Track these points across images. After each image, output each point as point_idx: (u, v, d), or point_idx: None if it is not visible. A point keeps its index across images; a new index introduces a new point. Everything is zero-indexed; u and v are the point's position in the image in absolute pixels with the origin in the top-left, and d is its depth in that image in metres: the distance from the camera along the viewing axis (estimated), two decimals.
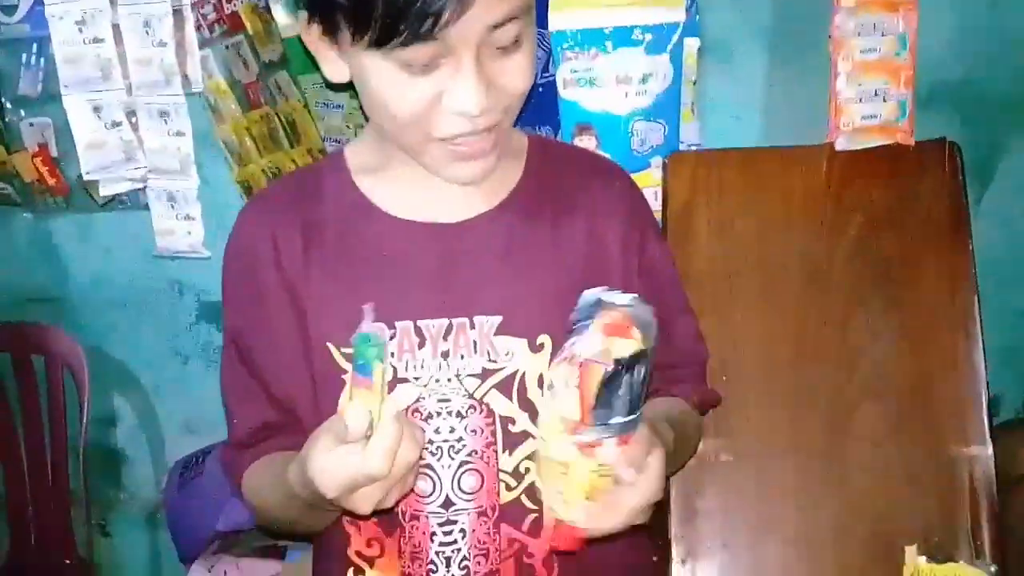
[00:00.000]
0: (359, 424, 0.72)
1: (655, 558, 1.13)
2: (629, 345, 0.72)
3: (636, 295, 0.76)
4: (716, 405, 1.07)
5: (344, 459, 0.72)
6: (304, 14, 0.87)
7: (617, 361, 0.72)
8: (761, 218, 1.28)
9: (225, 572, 1.75)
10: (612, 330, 0.73)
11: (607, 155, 1.24)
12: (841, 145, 1.27)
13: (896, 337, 1.22)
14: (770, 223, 1.28)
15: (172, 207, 1.48)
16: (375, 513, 0.91)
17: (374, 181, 0.95)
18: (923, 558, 1.10)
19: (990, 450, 1.16)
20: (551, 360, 0.89)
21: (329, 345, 0.91)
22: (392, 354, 0.90)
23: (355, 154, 0.98)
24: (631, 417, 0.74)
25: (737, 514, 1.20)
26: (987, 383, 1.19)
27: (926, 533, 1.14)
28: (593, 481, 0.74)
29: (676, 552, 1.20)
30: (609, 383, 0.72)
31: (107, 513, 2.00)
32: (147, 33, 1.34)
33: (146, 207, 1.55)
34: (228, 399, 0.99)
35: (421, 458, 0.77)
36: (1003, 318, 1.46)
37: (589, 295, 0.78)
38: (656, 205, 1.34)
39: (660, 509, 0.85)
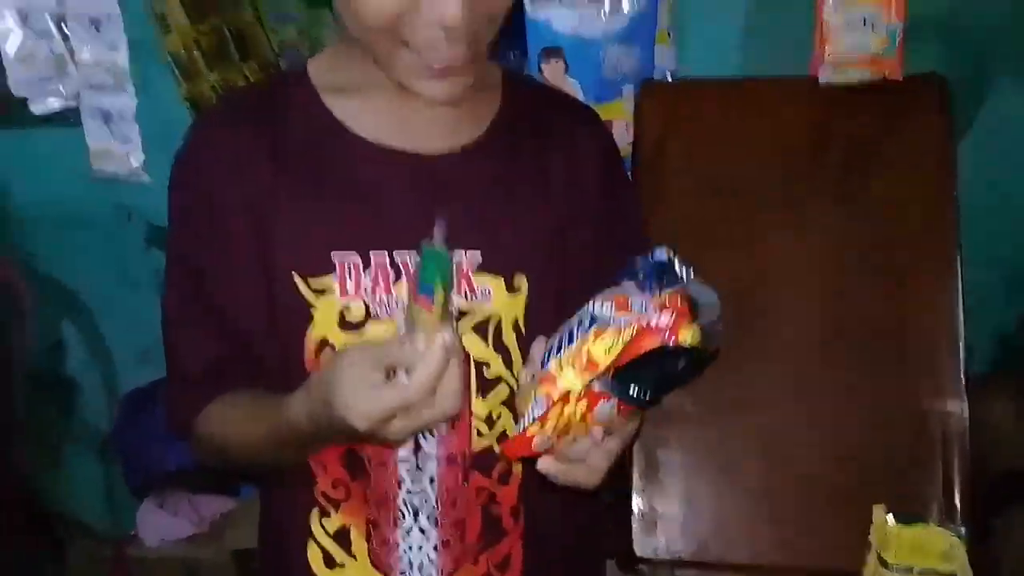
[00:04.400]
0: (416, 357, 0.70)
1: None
2: (690, 336, 0.70)
3: (709, 288, 0.76)
4: None
5: (381, 390, 0.70)
6: None
7: (678, 348, 0.70)
8: (739, 153, 1.21)
9: (177, 507, 1.72)
10: (681, 313, 0.71)
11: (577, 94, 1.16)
12: (825, 77, 1.19)
13: (875, 277, 1.16)
14: (749, 158, 1.20)
15: (108, 127, 1.38)
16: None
17: (344, 101, 0.88)
18: (891, 518, 1.05)
19: (965, 406, 1.11)
20: (528, 302, 0.88)
21: (295, 275, 0.85)
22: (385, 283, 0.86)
23: (320, 71, 0.90)
24: (647, 398, 0.73)
25: (700, 466, 1.15)
26: (964, 336, 1.13)
27: (897, 491, 1.10)
28: (574, 421, 0.74)
29: (637, 504, 1.16)
30: (655, 359, 0.71)
31: (58, 442, 1.95)
32: None
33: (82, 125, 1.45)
34: (172, 331, 0.93)
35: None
36: (976, 264, 1.41)
37: (661, 253, 0.78)
38: (628, 138, 1.26)
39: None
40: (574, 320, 0.77)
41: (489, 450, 0.88)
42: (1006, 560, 1.05)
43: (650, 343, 0.70)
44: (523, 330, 0.89)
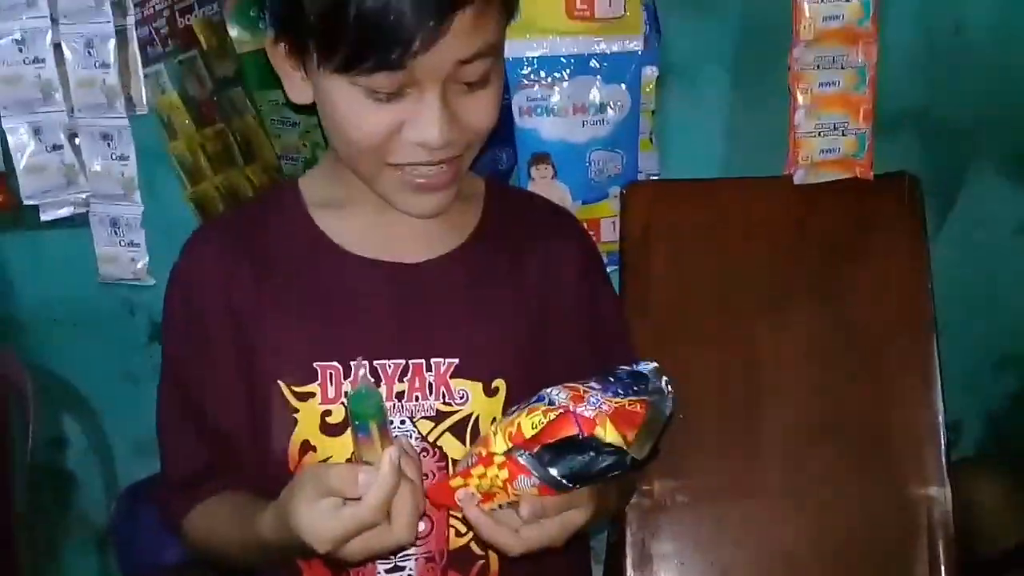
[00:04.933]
0: (367, 486, 0.72)
1: None
2: (616, 438, 0.73)
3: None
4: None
5: (335, 513, 0.72)
6: (272, 32, 0.86)
7: (593, 441, 0.72)
8: (720, 250, 1.26)
9: None
10: (621, 415, 0.74)
11: (560, 203, 1.21)
12: (799, 179, 1.25)
13: (854, 374, 1.21)
14: (729, 255, 1.26)
15: (115, 233, 1.43)
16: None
17: (331, 216, 0.93)
18: None
19: (948, 491, 1.14)
20: (506, 403, 0.90)
21: (280, 383, 0.89)
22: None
23: (311, 187, 0.96)
24: (565, 484, 0.75)
25: (693, 558, 1.17)
26: (945, 424, 1.17)
27: (883, 574, 1.12)
28: (496, 484, 0.77)
29: None
30: (578, 448, 0.73)
31: (56, 537, 1.95)
32: (89, 54, 1.29)
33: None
34: (164, 435, 0.97)
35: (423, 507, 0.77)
36: (963, 344, 1.45)
37: (645, 365, 0.81)
38: (613, 236, 1.31)
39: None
40: (533, 397, 0.80)
41: (466, 548, 0.90)
42: None
43: (564, 430, 0.74)
44: None
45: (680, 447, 1.15)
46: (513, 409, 0.81)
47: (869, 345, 1.21)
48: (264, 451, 0.91)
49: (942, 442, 1.16)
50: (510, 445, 0.76)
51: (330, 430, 0.89)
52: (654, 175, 1.36)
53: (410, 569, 0.89)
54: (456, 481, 0.79)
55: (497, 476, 0.77)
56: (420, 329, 0.91)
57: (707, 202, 1.28)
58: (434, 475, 0.89)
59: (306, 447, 0.89)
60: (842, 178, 1.25)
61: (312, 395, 0.89)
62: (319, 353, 0.89)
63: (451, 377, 0.89)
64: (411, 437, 0.89)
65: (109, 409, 1.88)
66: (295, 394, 0.89)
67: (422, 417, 0.89)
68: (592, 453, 0.73)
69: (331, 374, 0.89)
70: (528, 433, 0.75)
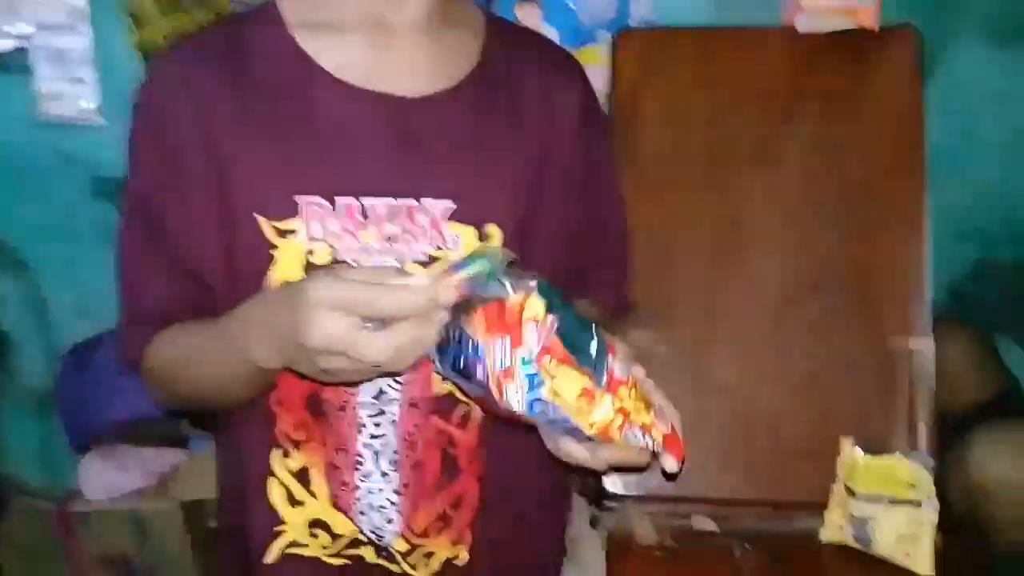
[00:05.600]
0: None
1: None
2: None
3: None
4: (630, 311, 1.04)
5: (345, 322, 0.67)
6: None
7: None
8: (713, 101, 1.22)
9: (123, 460, 1.66)
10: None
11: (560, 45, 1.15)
12: (802, 26, 1.21)
13: (844, 229, 1.19)
14: (723, 107, 1.22)
15: (60, 68, 1.31)
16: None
17: (316, 37, 0.84)
18: (859, 450, 1.09)
19: (931, 344, 1.15)
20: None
21: (257, 216, 0.82)
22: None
23: (291, 3, 0.87)
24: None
25: (674, 406, 1.16)
26: (931, 278, 1.17)
27: (863, 425, 1.13)
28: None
29: None
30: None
31: None
32: None
33: (29, 69, 1.37)
34: (128, 271, 0.89)
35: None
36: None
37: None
38: (601, 84, 1.26)
39: None
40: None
41: (450, 395, 0.86)
42: (956, 490, 1.09)
43: None
44: None
45: (665, 294, 1.13)
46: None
47: (861, 199, 1.19)
48: (238, 292, 0.83)
49: (927, 296, 1.16)
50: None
51: (313, 271, 0.82)
52: (646, 22, 1.29)
53: (392, 414, 0.85)
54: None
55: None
56: (413, 167, 0.84)
57: (702, 52, 1.23)
58: None
59: None
60: (844, 29, 1.21)
61: (293, 232, 0.82)
62: (301, 185, 0.82)
63: (444, 220, 0.84)
64: None
65: (46, 268, 1.78)
66: (274, 230, 0.82)
67: (412, 262, 0.84)
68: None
69: (314, 209, 0.83)
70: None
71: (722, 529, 1.13)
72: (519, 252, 0.87)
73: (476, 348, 0.69)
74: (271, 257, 0.82)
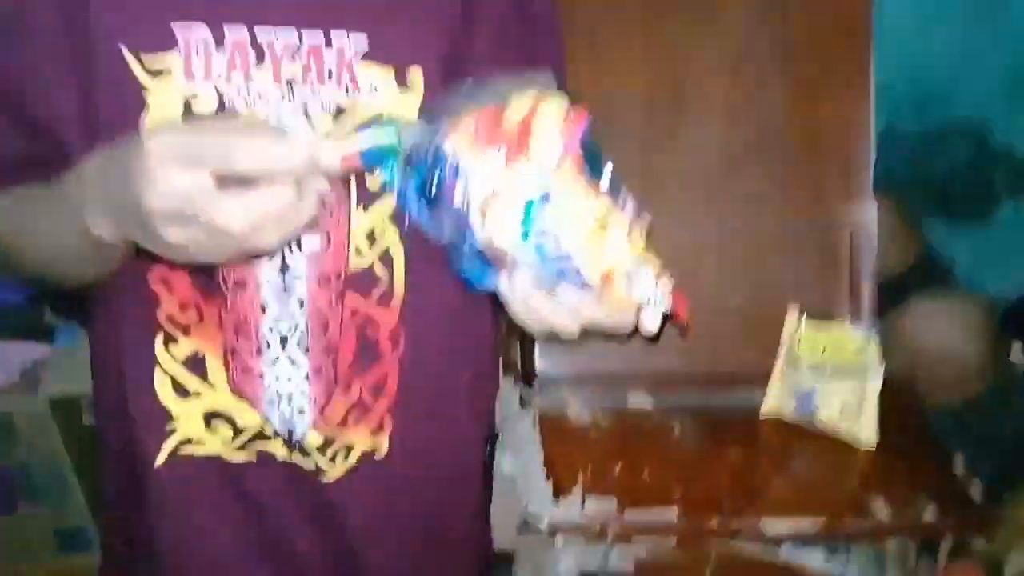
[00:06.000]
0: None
1: None
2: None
3: None
4: None
5: (190, 178, 0.54)
6: None
7: None
8: None
9: None
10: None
11: None
12: None
13: (786, 90, 1.10)
14: None
15: None
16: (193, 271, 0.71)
17: None
18: (803, 319, 1.03)
19: (874, 211, 1.09)
20: (423, 102, 0.73)
21: (123, 48, 0.67)
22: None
23: None
24: None
25: None
26: (874, 142, 1.09)
27: (806, 296, 1.07)
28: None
29: None
30: None
31: None
32: None
33: None
34: None
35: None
36: None
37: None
38: None
39: None
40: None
41: (369, 271, 0.76)
42: (892, 356, 1.05)
43: None
44: None
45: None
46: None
47: (804, 57, 1.10)
48: (97, 138, 0.68)
49: (871, 160, 1.09)
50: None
51: (195, 120, 0.69)
52: None
53: (300, 293, 0.74)
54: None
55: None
56: None
57: None
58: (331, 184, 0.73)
59: None
60: None
61: (168, 71, 0.68)
62: (178, 9, 0.68)
63: (357, 62, 0.72)
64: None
65: None
66: (145, 68, 0.68)
67: (319, 112, 0.72)
68: None
69: (197, 43, 0.68)
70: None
71: (659, 406, 1.06)
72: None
73: (456, 167, 0.56)
74: (142, 103, 0.68)
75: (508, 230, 0.56)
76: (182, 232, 0.56)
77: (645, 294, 0.60)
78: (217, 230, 0.55)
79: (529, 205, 0.56)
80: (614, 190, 0.59)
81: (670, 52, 1.09)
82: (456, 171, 0.56)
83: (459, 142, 0.56)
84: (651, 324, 0.63)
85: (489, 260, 0.60)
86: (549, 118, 0.56)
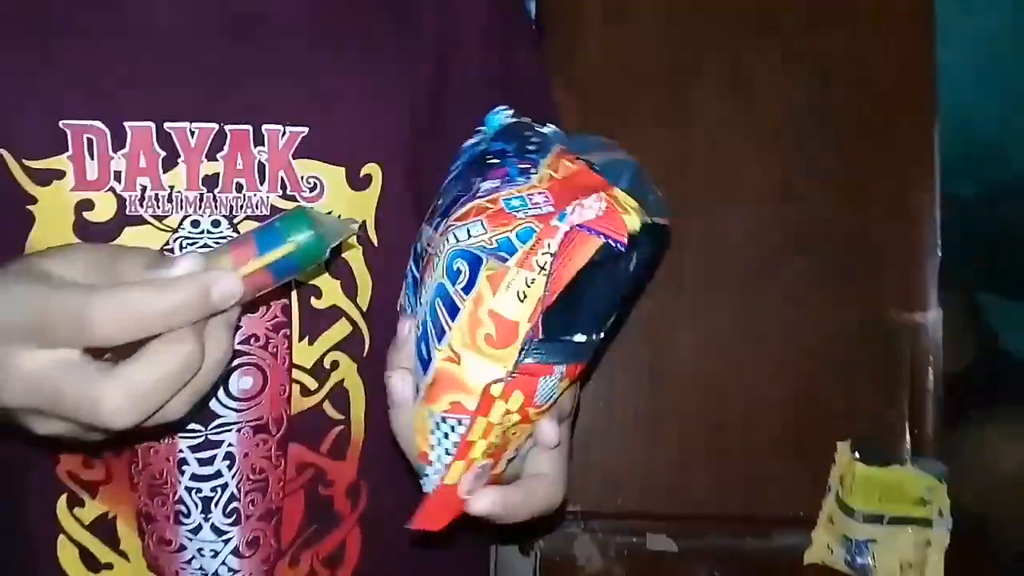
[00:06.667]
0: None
1: None
2: (634, 216, 0.46)
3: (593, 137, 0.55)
4: None
5: (45, 360, 0.42)
6: None
7: (631, 236, 0.45)
8: (671, 4, 0.94)
9: None
10: (599, 186, 0.47)
11: None
12: None
13: (833, 170, 0.94)
14: (682, 11, 0.94)
15: None
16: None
17: None
18: (858, 461, 0.86)
19: (939, 316, 0.91)
20: (381, 201, 0.61)
21: (4, 154, 0.57)
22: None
23: None
24: (599, 335, 0.48)
25: (622, 401, 0.91)
26: (940, 240, 0.93)
27: (856, 419, 0.90)
28: (508, 426, 0.49)
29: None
30: (594, 274, 0.46)
31: None
32: None
33: None
34: None
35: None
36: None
37: (502, 117, 0.55)
38: None
39: None
40: (430, 270, 0.50)
41: (317, 411, 0.63)
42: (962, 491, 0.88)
43: (585, 251, 0.45)
44: (375, 241, 0.63)
45: None
46: (424, 311, 0.50)
47: (853, 132, 0.93)
48: None
49: (934, 261, 0.92)
50: (505, 355, 0.46)
51: (91, 232, 0.57)
52: None
53: (229, 443, 0.61)
54: (457, 469, 0.48)
55: (510, 413, 0.48)
56: (248, 72, 0.60)
57: None
58: (268, 307, 0.60)
59: None
60: None
61: (60, 174, 0.57)
62: (72, 104, 0.57)
63: (295, 157, 0.59)
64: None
65: None
66: (30, 173, 0.57)
67: (248, 217, 0.60)
68: (614, 264, 0.46)
69: (91, 141, 0.57)
70: (521, 314, 0.46)
71: (684, 550, 0.89)
72: (414, 197, 0.62)
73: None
74: (29, 216, 0.57)
75: None
76: (56, 425, 0.44)
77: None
78: (99, 423, 0.42)
79: None
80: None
81: (693, 126, 0.94)
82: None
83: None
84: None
85: None
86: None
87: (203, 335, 0.43)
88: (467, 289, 0.47)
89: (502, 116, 0.57)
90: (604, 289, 0.47)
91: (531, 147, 0.53)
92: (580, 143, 0.54)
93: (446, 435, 0.48)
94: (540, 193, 0.49)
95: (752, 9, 0.94)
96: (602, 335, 0.49)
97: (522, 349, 0.46)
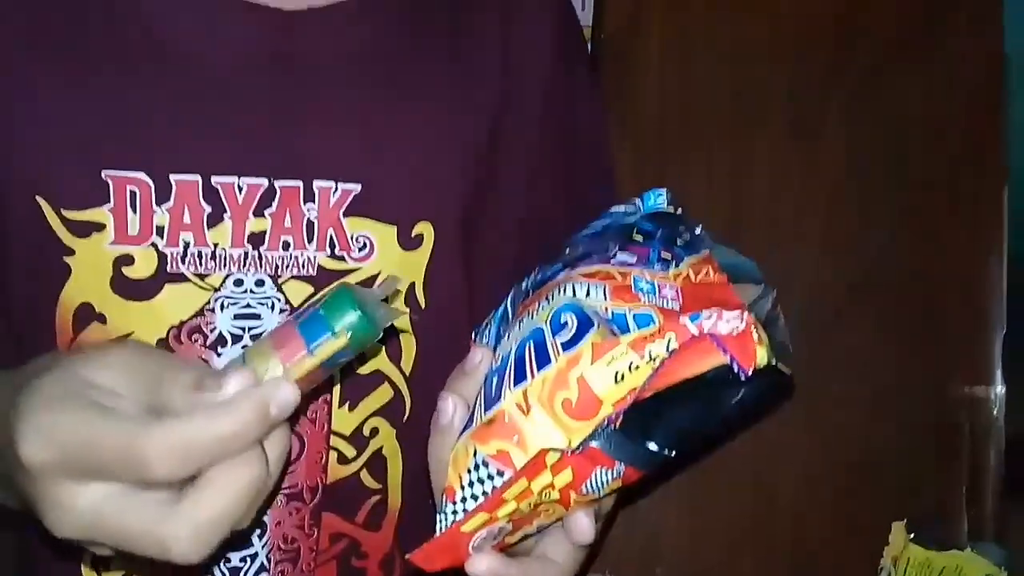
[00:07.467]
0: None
1: None
2: (765, 350, 0.43)
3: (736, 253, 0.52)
4: None
5: (93, 497, 0.39)
6: None
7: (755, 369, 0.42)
8: (734, 48, 0.90)
9: None
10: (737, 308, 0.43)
11: None
12: None
13: (898, 225, 0.89)
14: (746, 55, 0.90)
15: None
16: None
17: None
18: (915, 545, 0.81)
19: (1002, 391, 0.87)
20: (432, 262, 0.58)
21: (41, 202, 0.54)
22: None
23: None
24: (663, 453, 0.44)
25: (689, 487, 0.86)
26: (1007, 302, 0.88)
27: (911, 497, 0.85)
28: (545, 502, 0.45)
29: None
30: (696, 389, 0.43)
31: None
32: None
33: None
34: None
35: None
36: None
37: (658, 197, 0.56)
38: (584, 16, 0.93)
39: None
40: (531, 310, 0.47)
41: (354, 480, 0.60)
42: None
43: (705, 362, 0.41)
44: (423, 303, 0.59)
45: None
46: (505, 346, 0.48)
47: (921, 184, 0.89)
48: (21, 311, 0.57)
49: (1003, 327, 0.88)
50: (578, 428, 0.43)
51: (130, 288, 0.54)
52: None
53: (263, 513, 0.58)
54: (476, 521, 0.44)
55: (551, 488, 0.44)
56: (296, 126, 0.56)
57: None
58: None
59: (87, 314, 0.55)
60: None
61: (99, 227, 0.54)
62: (114, 154, 0.54)
63: (346, 214, 0.57)
64: (274, 309, 0.56)
65: None
66: (68, 223, 0.54)
67: (293, 277, 0.57)
68: (724, 389, 0.43)
69: (134, 193, 0.54)
70: (612, 395, 0.43)
71: None
72: (467, 259, 0.59)
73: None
74: (65, 268, 0.54)
75: None
76: (100, 548, 0.41)
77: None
78: (168, 559, 0.39)
79: None
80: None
81: (755, 173, 0.89)
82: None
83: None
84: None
85: None
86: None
87: (263, 441, 0.41)
88: (567, 346, 0.44)
89: (661, 199, 0.56)
90: (700, 410, 0.44)
91: (680, 241, 0.51)
92: (726, 255, 0.51)
93: (481, 480, 0.45)
94: (672, 287, 0.46)
95: (818, 55, 0.90)
96: (673, 454, 0.45)
97: (595, 430, 0.43)
